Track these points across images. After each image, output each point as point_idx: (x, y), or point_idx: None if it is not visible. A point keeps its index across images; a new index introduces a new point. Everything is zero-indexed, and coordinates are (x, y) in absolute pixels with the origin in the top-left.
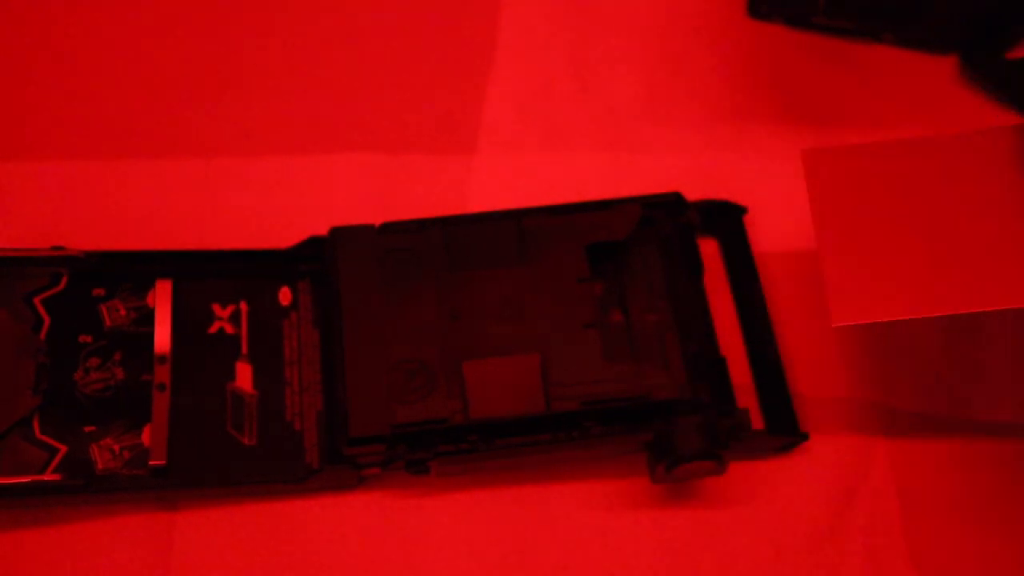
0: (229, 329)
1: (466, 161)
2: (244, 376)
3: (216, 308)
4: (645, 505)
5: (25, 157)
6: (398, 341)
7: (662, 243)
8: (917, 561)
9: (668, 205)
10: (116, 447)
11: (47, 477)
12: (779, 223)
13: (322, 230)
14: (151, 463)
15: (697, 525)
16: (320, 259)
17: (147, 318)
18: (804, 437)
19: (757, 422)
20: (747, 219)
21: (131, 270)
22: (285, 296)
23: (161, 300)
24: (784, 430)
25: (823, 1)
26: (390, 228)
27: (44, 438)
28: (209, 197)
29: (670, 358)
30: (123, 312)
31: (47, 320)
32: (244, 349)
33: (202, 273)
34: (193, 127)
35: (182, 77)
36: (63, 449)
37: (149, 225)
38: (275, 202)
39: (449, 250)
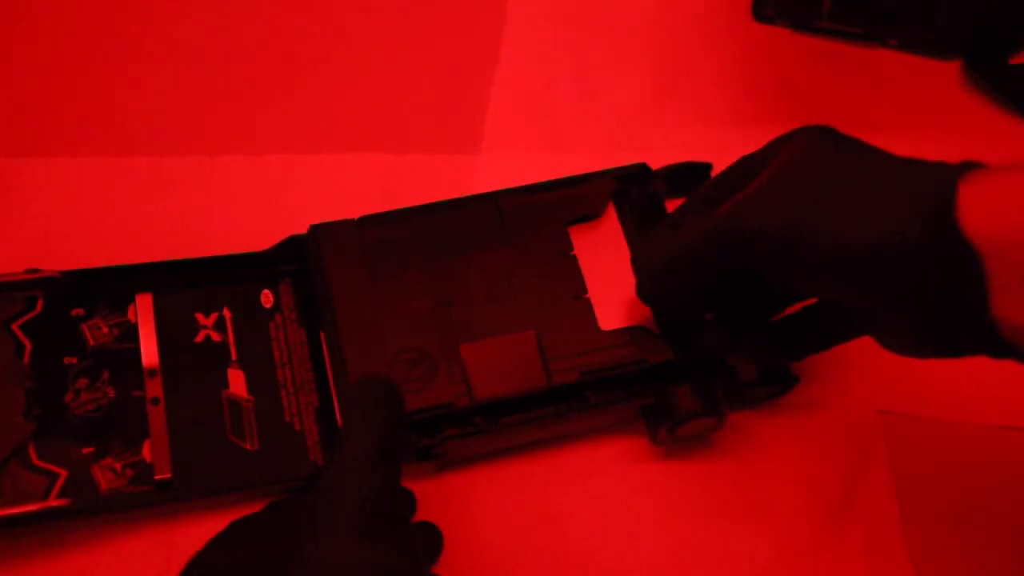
0: (215, 337)
1: (470, 161)
2: (237, 382)
3: (200, 317)
4: (645, 508)
5: None
6: (394, 332)
7: (634, 212)
8: (916, 561)
9: (636, 176)
10: (118, 465)
11: (55, 503)
12: None
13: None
14: (157, 477)
15: (698, 526)
16: (300, 258)
17: (130, 333)
18: (795, 380)
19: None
20: None
21: (108, 287)
22: (267, 298)
23: (143, 314)
24: (775, 378)
25: (828, 5)
26: (369, 221)
27: (42, 464)
28: (212, 196)
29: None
30: (105, 330)
31: (28, 345)
32: (234, 355)
33: (181, 283)
34: (197, 126)
35: (192, 74)
36: (64, 473)
37: (139, 230)
38: (281, 200)
39: (432, 237)
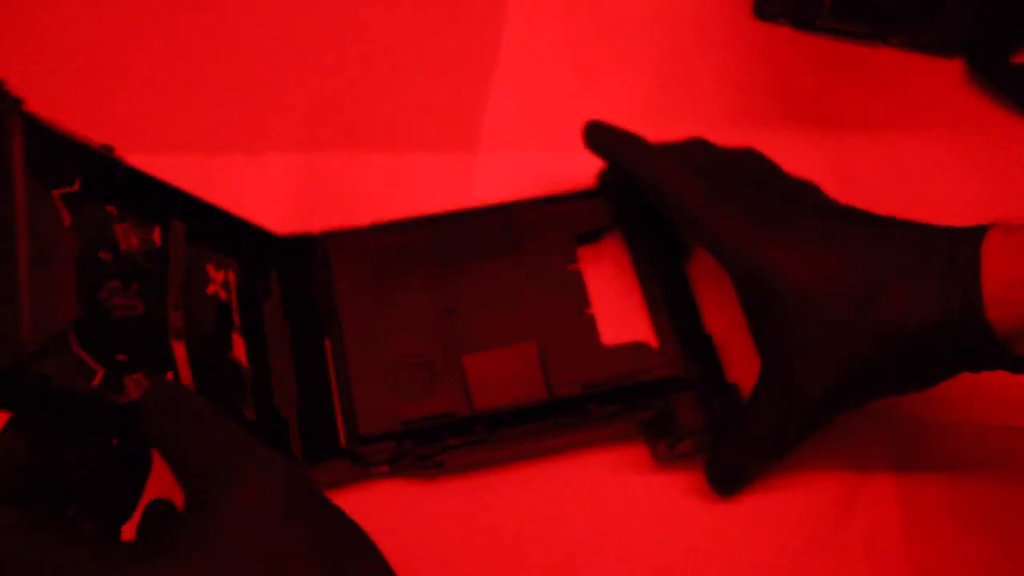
0: (223, 295)
1: (469, 160)
2: (239, 349)
3: (210, 269)
4: (647, 510)
5: None
6: (397, 338)
7: (639, 227)
8: (917, 562)
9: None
10: (146, 385)
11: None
12: None
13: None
14: None
15: (698, 526)
16: (294, 259)
17: (153, 254)
18: None
19: None
20: None
21: (142, 194)
22: (262, 281)
23: (175, 243)
24: None
25: (829, 4)
26: (379, 228)
27: (82, 355)
28: (210, 195)
29: (663, 337)
30: (135, 241)
31: (68, 220)
32: (237, 320)
33: (203, 224)
34: (195, 125)
35: (190, 73)
36: (101, 371)
37: None
38: (276, 200)
39: (439, 246)
